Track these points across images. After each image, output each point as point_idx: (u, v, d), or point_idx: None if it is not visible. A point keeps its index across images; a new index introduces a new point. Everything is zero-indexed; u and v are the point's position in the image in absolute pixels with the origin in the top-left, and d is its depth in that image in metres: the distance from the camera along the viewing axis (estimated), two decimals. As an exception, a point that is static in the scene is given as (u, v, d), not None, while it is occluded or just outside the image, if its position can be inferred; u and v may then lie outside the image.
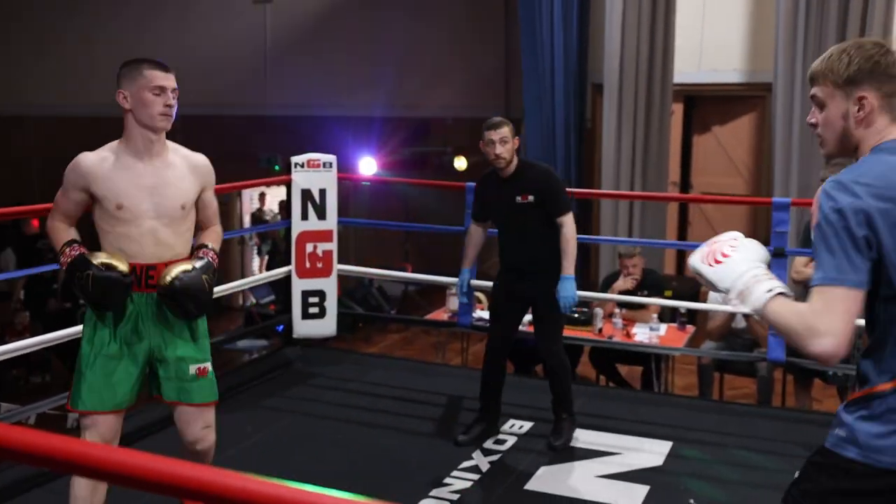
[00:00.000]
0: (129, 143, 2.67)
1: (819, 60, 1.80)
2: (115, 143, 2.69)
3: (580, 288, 3.97)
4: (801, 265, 4.55)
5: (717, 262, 1.75)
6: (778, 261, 4.22)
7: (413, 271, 7.62)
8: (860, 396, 1.68)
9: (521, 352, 5.76)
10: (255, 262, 11.93)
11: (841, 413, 1.71)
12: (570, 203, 3.86)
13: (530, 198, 3.71)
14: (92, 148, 2.74)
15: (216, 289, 4.88)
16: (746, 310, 1.72)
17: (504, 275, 3.93)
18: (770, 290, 1.65)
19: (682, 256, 7.79)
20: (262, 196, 11.75)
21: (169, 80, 2.70)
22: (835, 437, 1.70)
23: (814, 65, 1.82)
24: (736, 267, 1.72)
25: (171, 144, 2.76)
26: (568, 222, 3.74)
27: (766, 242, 5.18)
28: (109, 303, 2.57)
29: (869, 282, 1.58)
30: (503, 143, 3.70)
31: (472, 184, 4.65)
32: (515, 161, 3.77)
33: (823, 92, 1.79)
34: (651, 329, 5.11)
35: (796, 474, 1.86)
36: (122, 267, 2.53)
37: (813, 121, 1.84)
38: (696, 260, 1.80)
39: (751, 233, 7.65)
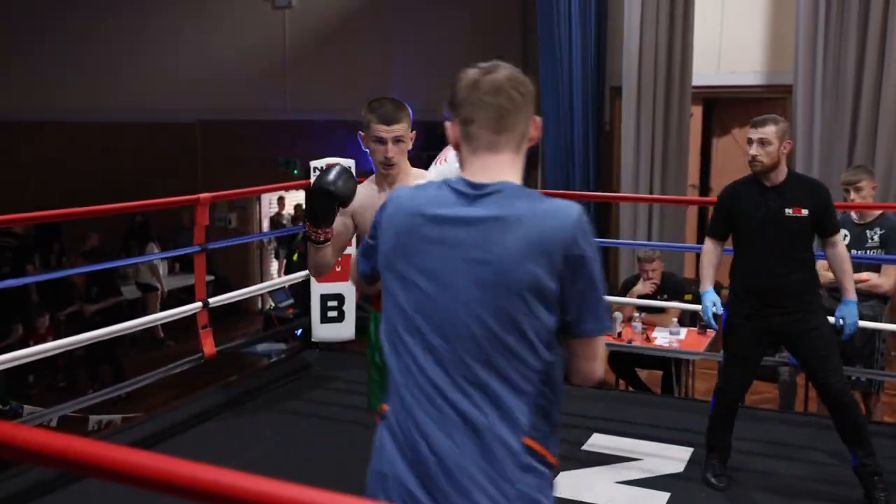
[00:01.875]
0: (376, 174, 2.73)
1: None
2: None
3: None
4: (822, 269, 4.51)
5: None
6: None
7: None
8: None
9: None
10: (274, 265, 11.97)
11: None
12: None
13: (804, 212, 3.19)
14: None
15: (234, 293, 4.91)
16: None
17: (750, 302, 3.30)
18: None
19: (701, 260, 7.74)
20: (280, 200, 11.80)
21: (390, 132, 2.69)
22: None
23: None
24: None
25: (416, 171, 2.76)
26: (840, 241, 3.36)
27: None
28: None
29: None
30: (762, 144, 3.18)
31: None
32: (784, 168, 3.24)
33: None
34: (671, 333, 5.08)
35: None
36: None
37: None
38: None
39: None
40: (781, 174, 3.23)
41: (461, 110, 1.63)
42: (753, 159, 3.20)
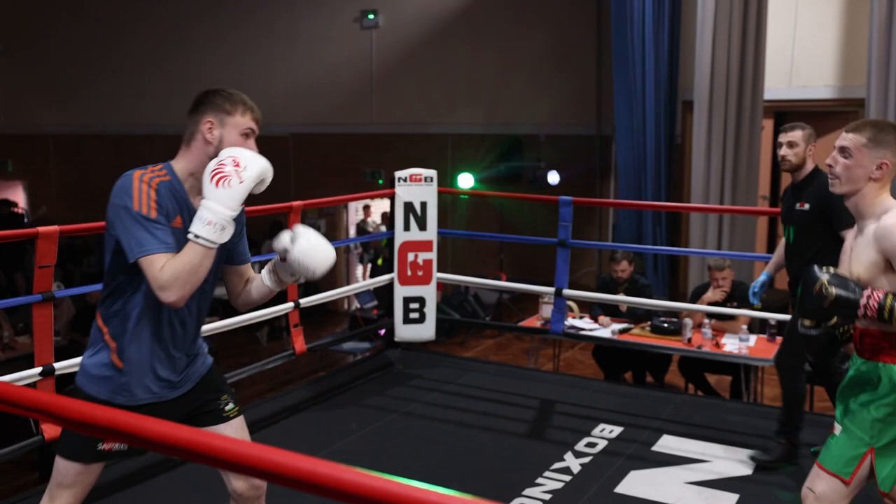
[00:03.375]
0: None
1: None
2: None
3: (668, 299, 3.88)
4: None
5: None
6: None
7: (507, 280, 7.61)
8: None
9: (610, 358, 5.67)
10: (359, 269, 12.14)
11: None
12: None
13: (807, 206, 3.38)
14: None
15: (323, 294, 5.01)
16: None
17: (790, 288, 3.56)
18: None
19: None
20: (366, 208, 11.97)
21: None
22: None
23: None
24: None
25: None
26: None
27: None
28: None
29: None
30: (790, 146, 3.47)
31: (566, 197, 4.63)
32: (809, 167, 3.48)
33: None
34: (741, 340, 4.95)
35: None
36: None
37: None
38: None
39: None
40: (804, 173, 3.48)
41: None
42: (783, 159, 3.49)
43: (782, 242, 3.68)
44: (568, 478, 3.44)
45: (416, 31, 10.34)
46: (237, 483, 2.22)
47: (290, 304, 4.39)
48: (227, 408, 2.25)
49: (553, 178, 9.16)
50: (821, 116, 7.51)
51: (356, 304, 10.18)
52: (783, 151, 3.48)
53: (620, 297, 5.37)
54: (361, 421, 4.10)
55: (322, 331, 9.15)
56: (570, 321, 5.40)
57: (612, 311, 5.61)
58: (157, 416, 1.50)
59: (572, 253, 4.78)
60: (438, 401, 4.44)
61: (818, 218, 3.31)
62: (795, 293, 3.29)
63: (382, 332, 5.95)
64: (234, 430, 2.25)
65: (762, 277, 3.75)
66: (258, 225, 10.45)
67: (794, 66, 7.21)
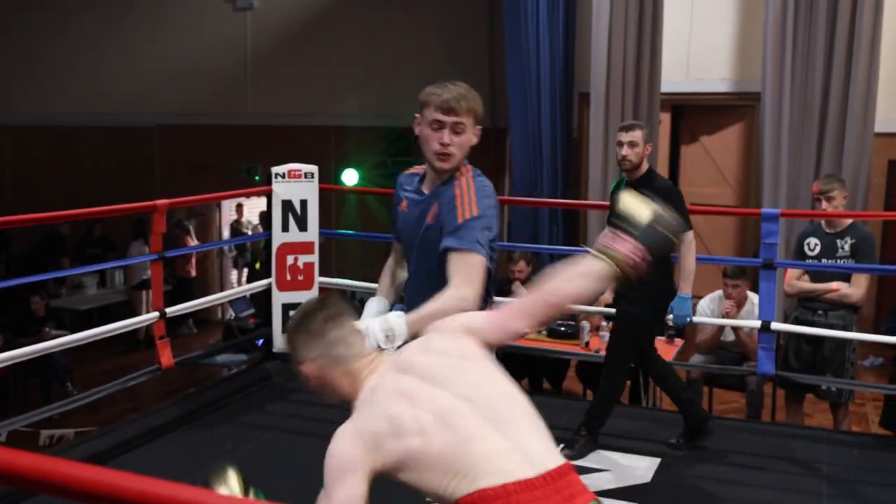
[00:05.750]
0: None
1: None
2: None
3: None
4: (794, 278, 4.58)
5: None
6: (767, 272, 4.24)
7: (397, 284, 7.59)
8: None
9: (505, 365, 5.75)
10: (234, 274, 11.89)
11: None
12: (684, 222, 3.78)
13: None
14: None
15: (192, 303, 4.87)
16: (398, 342, 2.07)
17: None
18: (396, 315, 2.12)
19: (670, 268, 7.82)
20: (239, 207, 11.73)
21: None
22: None
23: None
24: (370, 329, 2.07)
25: None
26: (690, 240, 3.79)
27: (755, 254, 5.22)
28: None
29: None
30: (631, 146, 3.77)
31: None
32: (645, 167, 3.81)
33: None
34: (639, 342, 5.11)
35: None
36: None
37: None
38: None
39: (739, 244, 7.68)
40: (640, 172, 3.82)
41: None
42: (624, 159, 3.79)
43: None
44: (462, 494, 3.46)
45: (296, 15, 10.21)
46: None
47: (156, 314, 4.26)
48: None
49: (445, 173, 9.22)
50: (717, 110, 7.86)
51: (231, 313, 9.96)
52: (625, 151, 3.77)
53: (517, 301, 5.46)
54: (237, 440, 4.01)
55: (192, 342, 8.91)
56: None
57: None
58: None
59: (465, 254, 4.81)
60: (322, 416, 4.37)
61: None
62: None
63: (260, 342, 5.84)
64: None
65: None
66: (121, 226, 10.08)
67: (691, 58, 7.50)
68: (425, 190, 2.43)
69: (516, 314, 1.85)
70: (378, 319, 2.11)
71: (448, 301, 2.10)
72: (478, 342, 1.82)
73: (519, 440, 1.63)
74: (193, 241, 10.19)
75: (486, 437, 1.61)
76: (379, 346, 2.02)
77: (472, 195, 2.28)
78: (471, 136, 2.35)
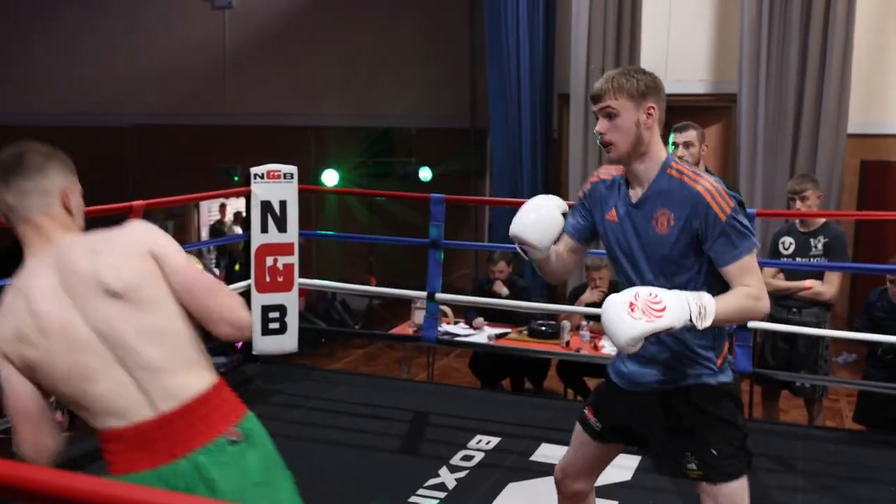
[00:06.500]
0: None
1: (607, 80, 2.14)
2: None
3: (547, 301, 3.99)
4: (769, 276, 4.62)
5: (658, 311, 1.93)
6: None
7: (377, 284, 7.60)
8: None
9: (487, 365, 5.77)
10: (216, 273, 11.82)
11: None
12: None
13: None
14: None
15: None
16: (707, 324, 1.96)
17: None
18: (709, 298, 2.00)
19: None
20: (222, 207, 11.67)
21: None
22: None
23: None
24: (678, 302, 1.96)
25: None
26: None
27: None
28: None
29: None
30: (686, 146, 3.72)
31: (438, 195, 4.67)
32: (701, 168, 3.71)
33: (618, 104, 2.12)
34: (618, 342, 5.14)
35: None
36: None
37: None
38: (636, 329, 1.94)
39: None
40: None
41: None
42: (680, 160, 3.62)
43: None
44: (442, 494, 3.47)
45: (275, 13, 10.17)
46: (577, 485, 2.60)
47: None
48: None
49: (425, 174, 9.24)
50: (695, 111, 7.90)
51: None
52: (680, 152, 3.69)
53: (497, 301, 5.46)
54: (217, 443, 3.99)
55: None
56: (444, 327, 5.45)
57: (494, 317, 5.68)
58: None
59: (447, 254, 4.83)
60: (303, 418, 4.39)
61: None
62: None
63: (239, 344, 5.82)
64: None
65: None
66: (97, 227, 9.99)
67: (669, 59, 7.55)
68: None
69: None
70: (693, 294, 1.99)
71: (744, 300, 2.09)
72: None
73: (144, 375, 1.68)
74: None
75: (108, 374, 1.66)
76: (690, 320, 1.95)
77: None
78: (633, 117, 2.15)
